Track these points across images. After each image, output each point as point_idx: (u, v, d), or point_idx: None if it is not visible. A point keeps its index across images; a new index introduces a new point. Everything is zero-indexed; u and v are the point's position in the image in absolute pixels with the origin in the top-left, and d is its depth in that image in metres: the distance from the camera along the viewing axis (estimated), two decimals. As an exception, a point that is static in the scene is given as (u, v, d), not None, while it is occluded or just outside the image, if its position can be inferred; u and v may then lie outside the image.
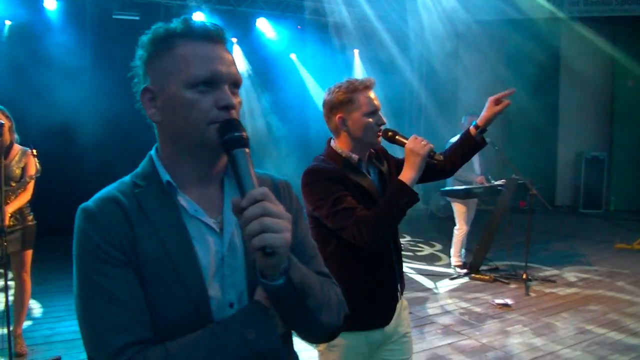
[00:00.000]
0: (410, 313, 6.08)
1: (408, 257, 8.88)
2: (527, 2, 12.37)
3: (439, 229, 10.47)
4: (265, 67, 11.49)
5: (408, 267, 8.12)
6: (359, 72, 12.66)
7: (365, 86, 2.65)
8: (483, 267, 7.83)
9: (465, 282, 7.48)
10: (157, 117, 1.39)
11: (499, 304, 6.48)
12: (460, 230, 7.88)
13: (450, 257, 8.15)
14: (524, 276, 7.20)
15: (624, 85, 13.47)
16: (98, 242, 1.27)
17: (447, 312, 6.29)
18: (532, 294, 6.95)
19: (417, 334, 5.59)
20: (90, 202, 1.34)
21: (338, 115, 2.64)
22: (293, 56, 12.23)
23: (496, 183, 7.56)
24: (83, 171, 9.40)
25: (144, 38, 1.40)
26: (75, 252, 1.30)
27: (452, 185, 7.76)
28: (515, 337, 5.54)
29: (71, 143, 8.85)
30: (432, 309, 6.43)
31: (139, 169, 1.44)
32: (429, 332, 5.66)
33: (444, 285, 7.34)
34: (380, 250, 2.60)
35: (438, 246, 9.72)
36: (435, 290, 7.13)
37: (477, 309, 6.39)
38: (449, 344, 5.36)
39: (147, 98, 1.39)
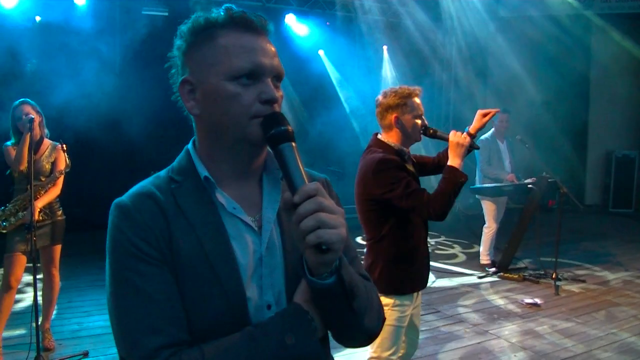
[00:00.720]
0: (438, 312, 6.14)
1: (438, 255, 8.85)
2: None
3: (469, 228, 10.41)
4: (293, 64, 11.50)
5: (438, 265, 8.10)
6: (388, 69, 12.61)
7: (416, 94, 3.29)
8: (512, 266, 7.77)
9: (494, 281, 7.44)
10: (196, 110, 1.34)
11: (528, 304, 6.44)
12: (489, 229, 7.84)
13: (479, 255, 8.11)
14: (554, 276, 7.14)
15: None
16: (133, 239, 1.24)
17: (476, 311, 6.27)
18: (562, 294, 6.89)
19: (446, 332, 5.59)
20: (125, 198, 1.31)
21: (394, 115, 3.24)
22: (321, 52, 12.22)
23: (526, 181, 7.49)
24: (112, 166, 9.51)
25: (184, 27, 1.35)
26: (108, 249, 1.26)
27: (482, 183, 7.72)
28: (545, 338, 5.50)
29: (101, 137, 8.92)
30: (461, 307, 6.41)
31: (175, 164, 1.41)
32: (458, 331, 5.64)
33: (473, 284, 7.31)
34: (419, 231, 3.31)
35: (467, 245, 9.67)
36: (464, 289, 7.10)
37: (506, 308, 6.36)
38: (478, 343, 5.35)
39: (186, 90, 1.35)
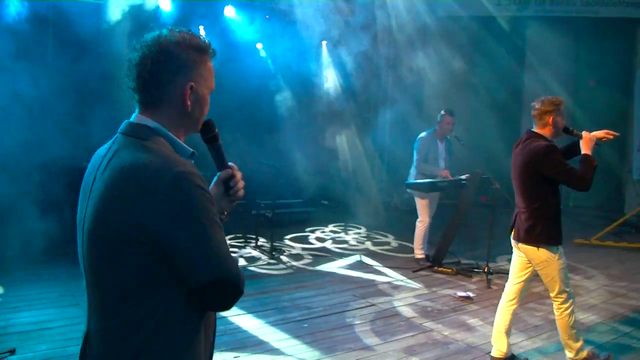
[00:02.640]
0: (373, 305, 6.18)
1: (370, 250, 8.92)
2: (494, 1, 12.52)
3: (402, 222, 10.52)
4: (232, 56, 11.32)
5: (371, 260, 8.16)
6: (327, 64, 12.60)
7: (563, 102, 4.56)
8: (446, 261, 7.90)
9: (427, 275, 7.55)
10: (188, 107, 1.83)
11: (461, 297, 6.56)
12: (422, 223, 7.95)
13: (412, 249, 8.21)
14: (486, 269, 7.31)
15: (586, 84, 13.68)
16: (209, 194, 1.71)
17: (409, 305, 6.34)
18: (494, 287, 7.06)
19: (381, 326, 5.63)
20: (186, 167, 1.66)
21: (550, 117, 4.48)
22: (260, 46, 12.08)
23: (460, 177, 7.63)
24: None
25: (196, 42, 1.84)
26: (198, 203, 1.63)
27: (417, 178, 7.82)
28: (477, 329, 5.63)
29: None
30: (395, 301, 6.47)
31: (172, 145, 1.79)
32: (392, 325, 5.70)
33: (407, 278, 7.39)
34: (559, 199, 4.60)
35: (400, 239, 9.77)
36: (398, 283, 7.18)
37: (440, 302, 6.46)
38: (412, 336, 5.41)
39: (189, 91, 1.81)
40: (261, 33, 11.53)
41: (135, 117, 1.81)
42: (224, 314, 5.46)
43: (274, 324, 5.55)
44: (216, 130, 1.96)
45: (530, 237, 4.49)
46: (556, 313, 4.61)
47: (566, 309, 4.54)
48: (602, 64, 12.99)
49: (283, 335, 5.29)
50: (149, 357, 1.67)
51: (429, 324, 5.73)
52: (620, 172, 13.59)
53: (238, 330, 5.35)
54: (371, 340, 5.26)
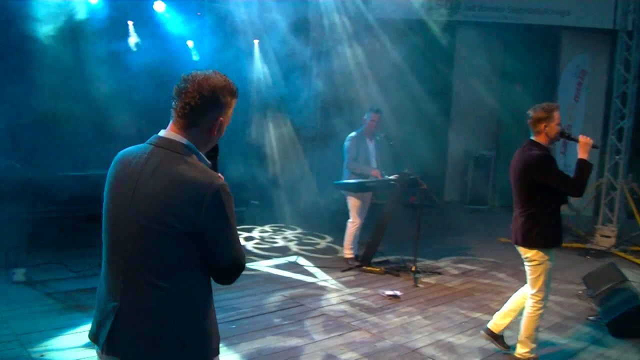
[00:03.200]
0: (302, 305, 6.16)
1: (300, 250, 8.91)
2: (425, 5, 12.73)
3: (333, 222, 10.56)
4: (161, 54, 11.08)
5: (301, 260, 8.15)
6: (259, 62, 12.53)
7: (557, 107, 4.70)
8: (374, 260, 7.96)
9: (356, 274, 7.59)
10: (214, 135, 2.35)
11: (388, 295, 6.63)
12: (353, 224, 7.97)
13: (342, 249, 8.24)
14: (413, 268, 7.41)
15: (512, 88, 14.06)
16: (232, 200, 2.27)
17: (337, 304, 6.36)
18: (421, 285, 7.17)
19: (309, 326, 5.62)
20: (222, 182, 2.24)
21: (543, 125, 4.64)
22: (190, 43, 11.87)
23: (389, 177, 7.70)
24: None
25: (233, 88, 2.37)
26: (230, 209, 2.23)
27: (349, 178, 7.84)
28: (404, 327, 5.69)
29: None
30: (323, 300, 6.47)
31: (200, 159, 2.28)
32: (320, 324, 5.69)
33: (336, 278, 7.40)
34: (559, 204, 4.71)
35: (330, 239, 9.81)
36: (327, 283, 7.19)
37: (368, 301, 6.50)
38: (340, 334, 5.42)
39: (218, 124, 2.33)
40: (192, 30, 11.35)
41: (166, 132, 2.30)
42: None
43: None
44: (217, 151, 2.49)
45: (527, 241, 4.69)
46: (529, 310, 4.78)
47: (539, 308, 4.74)
48: (529, 68, 13.44)
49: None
50: (184, 324, 2.22)
51: (356, 323, 5.75)
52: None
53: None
54: (300, 340, 5.23)
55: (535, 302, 4.74)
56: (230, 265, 2.27)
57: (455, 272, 7.99)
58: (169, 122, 2.32)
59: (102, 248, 2.32)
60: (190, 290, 2.23)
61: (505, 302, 5.20)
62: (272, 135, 12.60)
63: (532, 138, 4.75)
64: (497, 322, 5.12)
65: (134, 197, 2.19)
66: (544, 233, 4.62)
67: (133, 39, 10.71)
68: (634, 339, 5.60)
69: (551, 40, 13.84)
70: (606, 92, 13.02)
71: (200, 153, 2.31)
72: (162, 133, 2.31)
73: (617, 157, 10.47)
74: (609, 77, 12.41)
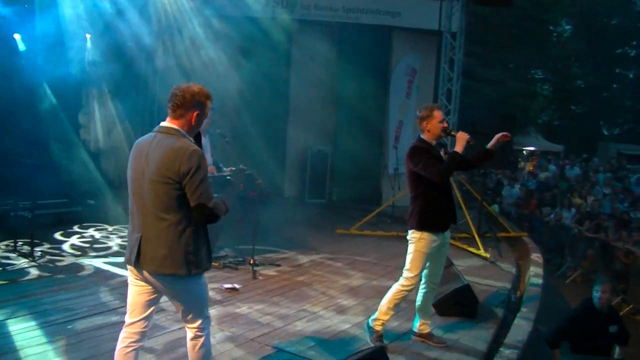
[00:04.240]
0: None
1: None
2: (262, 2, 12.88)
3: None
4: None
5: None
6: (90, 57, 11.94)
7: (438, 107, 5.26)
8: (213, 255, 7.91)
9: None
10: (193, 123, 3.52)
11: (227, 289, 6.66)
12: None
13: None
14: (251, 261, 7.49)
15: (347, 86, 14.53)
16: (207, 164, 3.43)
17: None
18: (260, 278, 7.29)
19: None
20: (197, 147, 3.45)
21: (425, 122, 5.11)
22: (17, 37, 11.05)
23: (224, 173, 7.70)
24: None
25: (206, 92, 3.55)
26: (202, 165, 3.34)
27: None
28: (243, 318, 5.77)
29: None
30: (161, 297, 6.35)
31: (188, 139, 3.47)
32: (158, 320, 5.57)
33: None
34: (446, 191, 5.19)
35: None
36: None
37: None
38: (178, 329, 5.34)
39: (195, 115, 3.50)
40: (19, 23, 10.60)
41: (164, 123, 3.50)
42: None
43: (35, 328, 5.17)
44: (200, 137, 3.68)
45: (408, 222, 5.21)
46: (397, 285, 5.19)
47: (407, 287, 5.13)
48: (363, 67, 13.96)
49: (45, 339, 4.95)
50: (184, 241, 3.40)
51: (195, 318, 5.71)
52: (378, 168, 14.74)
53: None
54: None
55: (405, 280, 5.13)
56: (197, 205, 3.33)
57: (293, 263, 8.21)
58: (166, 116, 3.51)
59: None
60: (182, 220, 3.38)
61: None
62: (103, 130, 12.07)
63: (420, 135, 5.22)
64: (419, 326, 5.47)
65: (146, 162, 3.39)
66: (420, 216, 5.08)
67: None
68: (457, 317, 6.17)
69: (383, 40, 14.57)
70: (434, 89, 13.82)
71: (187, 134, 3.47)
72: (162, 124, 3.50)
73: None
74: (437, 75, 13.23)
